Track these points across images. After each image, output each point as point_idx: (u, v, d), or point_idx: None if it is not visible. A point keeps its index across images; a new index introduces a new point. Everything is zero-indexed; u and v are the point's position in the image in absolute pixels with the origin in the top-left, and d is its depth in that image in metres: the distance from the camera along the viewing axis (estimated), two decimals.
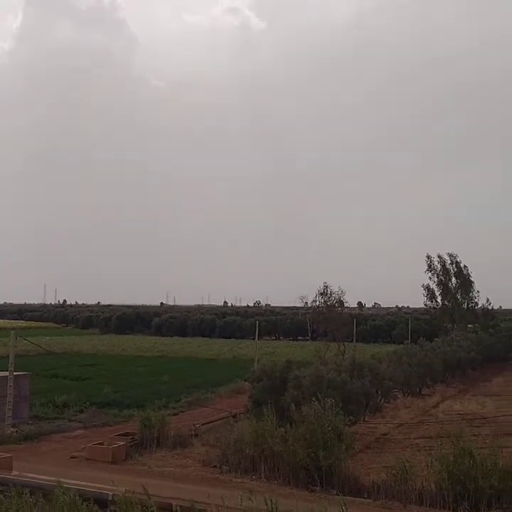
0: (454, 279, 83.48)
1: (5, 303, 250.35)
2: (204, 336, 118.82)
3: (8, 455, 22.47)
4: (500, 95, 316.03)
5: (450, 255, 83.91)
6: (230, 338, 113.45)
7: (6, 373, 30.07)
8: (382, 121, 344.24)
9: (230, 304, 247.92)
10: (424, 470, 19.98)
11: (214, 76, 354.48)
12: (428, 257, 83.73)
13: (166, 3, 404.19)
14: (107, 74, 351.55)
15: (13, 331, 32.63)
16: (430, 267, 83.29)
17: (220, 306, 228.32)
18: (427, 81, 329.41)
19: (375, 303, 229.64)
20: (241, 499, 12.47)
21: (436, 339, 63.00)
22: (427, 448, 24.52)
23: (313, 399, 22.00)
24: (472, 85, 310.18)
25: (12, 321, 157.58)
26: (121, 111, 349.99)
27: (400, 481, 19.08)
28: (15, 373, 30.22)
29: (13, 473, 20.37)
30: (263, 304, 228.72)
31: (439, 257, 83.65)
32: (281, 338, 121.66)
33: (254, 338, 66.76)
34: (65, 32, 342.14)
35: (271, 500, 12.44)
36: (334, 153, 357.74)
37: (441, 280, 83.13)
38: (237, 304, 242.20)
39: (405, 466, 19.37)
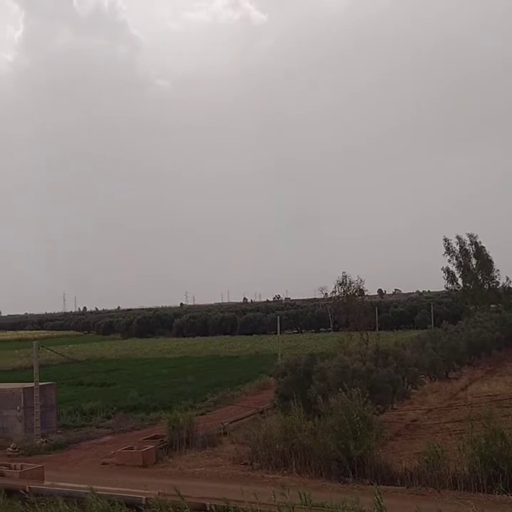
0: (473, 260, 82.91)
1: (26, 313, 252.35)
2: (225, 334, 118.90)
3: (39, 465, 22.54)
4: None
5: (470, 236, 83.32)
6: (251, 334, 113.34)
7: (32, 384, 30.22)
8: (389, 106, 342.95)
9: (249, 300, 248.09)
10: (456, 454, 19.84)
11: (218, 71, 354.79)
12: (445, 239, 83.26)
13: (166, 2, 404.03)
14: (111, 76, 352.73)
15: (35, 342, 32.77)
16: (448, 250, 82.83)
17: (239, 303, 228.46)
18: (431, 64, 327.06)
19: (396, 289, 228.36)
20: (274, 495, 12.38)
21: (459, 322, 62.63)
22: (458, 432, 24.32)
23: (340, 390, 21.90)
24: (478, 67, 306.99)
25: (34, 331, 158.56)
26: (127, 112, 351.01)
27: (432, 467, 18.96)
28: (40, 383, 30.37)
29: (45, 483, 20.44)
30: (283, 298, 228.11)
31: (458, 238, 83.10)
32: (303, 331, 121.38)
33: (275, 333, 66.71)
34: (66, 39, 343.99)
35: (304, 494, 12.34)
36: (344, 141, 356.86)
37: (461, 262, 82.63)
38: (257, 300, 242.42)
39: (437, 452, 19.24)
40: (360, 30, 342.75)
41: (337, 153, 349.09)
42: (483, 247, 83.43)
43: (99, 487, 16.28)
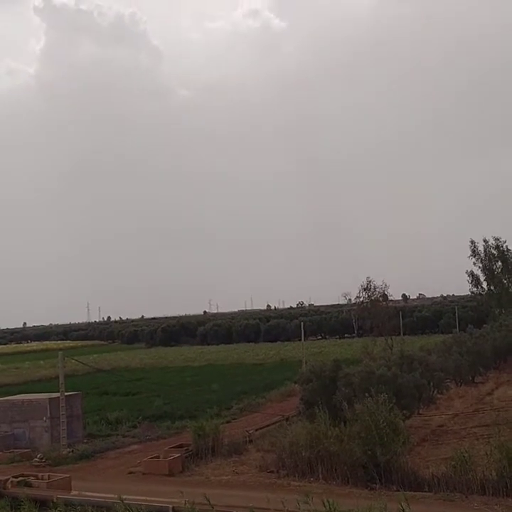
0: (499, 263, 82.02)
1: (50, 324, 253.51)
2: (249, 341, 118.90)
3: (66, 475, 22.68)
4: None
5: (496, 239, 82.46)
6: (275, 341, 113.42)
7: (58, 394, 30.38)
8: (413, 109, 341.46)
9: (273, 307, 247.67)
10: (484, 459, 19.67)
11: (239, 79, 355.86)
12: (472, 242, 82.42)
13: (186, 12, 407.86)
14: (133, 87, 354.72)
15: (60, 352, 32.95)
16: (474, 253, 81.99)
17: (263, 310, 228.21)
18: (452, 67, 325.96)
19: (420, 294, 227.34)
20: (298, 503, 12.35)
21: (484, 326, 62.16)
22: (485, 436, 24.15)
23: (365, 395, 21.82)
24: (499, 68, 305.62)
25: (59, 341, 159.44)
26: (149, 122, 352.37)
27: (460, 472, 18.82)
28: (66, 393, 30.51)
29: (72, 493, 20.53)
30: (306, 304, 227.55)
31: (484, 241, 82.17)
32: (327, 337, 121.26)
33: (299, 340, 66.67)
34: (88, 50, 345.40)
35: (328, 502, 12.30)
36: (366, 147, 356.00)
37: (486, 265, 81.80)
38: (281, 307, 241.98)
39: (464, 457, 19.08)
40: (380, 33, 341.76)
41: (359, 156, 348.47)
42: (509, 250, 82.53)
43: (126, 496, 16.31)
